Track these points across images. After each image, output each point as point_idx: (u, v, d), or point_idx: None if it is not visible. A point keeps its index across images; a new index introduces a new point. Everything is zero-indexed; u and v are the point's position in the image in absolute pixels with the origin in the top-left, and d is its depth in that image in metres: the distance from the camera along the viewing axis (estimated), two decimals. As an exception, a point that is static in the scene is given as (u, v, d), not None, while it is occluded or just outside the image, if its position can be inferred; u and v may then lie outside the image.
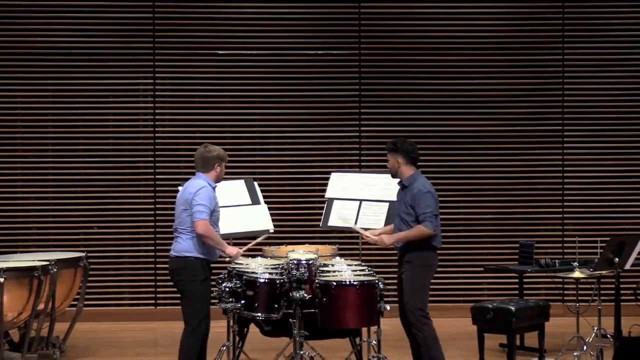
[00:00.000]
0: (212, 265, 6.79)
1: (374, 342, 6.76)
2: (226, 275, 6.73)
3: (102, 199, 10.64)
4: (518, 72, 10.86)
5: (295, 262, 6.74)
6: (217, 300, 6.64)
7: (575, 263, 7.77)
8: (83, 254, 8.40)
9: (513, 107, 10.86)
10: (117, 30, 10.66)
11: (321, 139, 10.81)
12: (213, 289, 6.72)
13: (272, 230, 7.96)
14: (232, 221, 7.66)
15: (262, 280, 6.55)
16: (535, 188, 10.87)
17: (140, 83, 10.74)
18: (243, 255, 7.09)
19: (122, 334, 9.85)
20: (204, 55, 10.73)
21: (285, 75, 10.77)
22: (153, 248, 10.63)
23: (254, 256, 7.23)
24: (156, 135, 10.72)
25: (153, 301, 10.65)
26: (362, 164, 10.70)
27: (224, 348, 7.17)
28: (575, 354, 7.54)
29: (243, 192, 8.02)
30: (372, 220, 7.89)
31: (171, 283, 6.88)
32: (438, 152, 10.74)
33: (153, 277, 10.64)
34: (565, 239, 10.85)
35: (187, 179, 6.96)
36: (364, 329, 6.92)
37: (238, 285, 6.57)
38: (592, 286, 8.40)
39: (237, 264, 6.85)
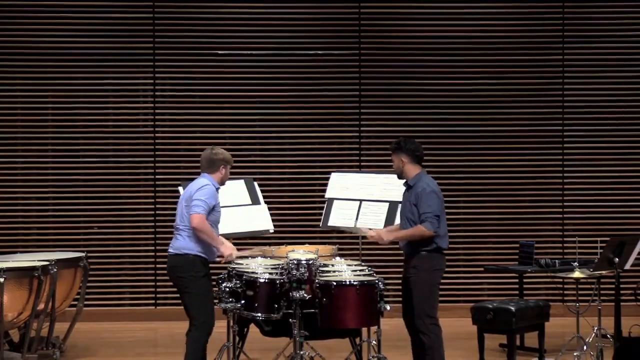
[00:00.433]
0: (213, 265, 6.78)
1: (374, 342, 6.76)
2: (226, 275, 6.73)
3: (102, 199, 10.64)
4: (518, 72, 10.86)
5: (295, 262, 6.73)
6: (217, 300, 6.64)
7: (575, 263, 7.77)
8: (83, 254, 8.40)
9: (513, 107, 10.86)
10: (117, 30, 10.66)
11: (321, 139, 10.81)
12: (213, 289, 6.72)
13: (272, 230, 7.96)
14: (232, 221, 7.65)
15: (262, 280, 6.55)
16: (535, 188, 10.87)
17: (140, 83, 10.74)
18: (243, 255, 7.09)
19: (122, 334, 9.85)
20: (204, 55, 10.74)
21: (285, 75, 10.77)
22: (153, 248, 10.64)
23: (253, 256, 7.22)
24: (156, 135, 10.72)
25: (153, 301, 10.66)
26: (362, 164, 10.70)
27: (224, 348, 7.17)
28: (575, 354, 7.54)
29: (243, 192, 8.02)
30: (372, 220, 7.89)
31: (171, 283, 6.87)
32: (438, 152, 10.73)
33: (153, 277, 10.64)
34: (565, 239, 10.86)
35: (187, 179, 6.98)
36: (364, 329, 6.92)
37: (238, 285, 6.57)
38: (592, 286, 8.40)
39: (237, 264, 6.85)
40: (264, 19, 10.75)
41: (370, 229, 7.29)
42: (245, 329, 7.22)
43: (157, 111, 10.75)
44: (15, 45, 10.58)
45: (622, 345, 7.66)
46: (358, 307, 6.48)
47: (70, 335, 8.52)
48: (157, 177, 10.68)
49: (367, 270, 6.81)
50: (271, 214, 8.06)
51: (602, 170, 10.86)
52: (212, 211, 6.64)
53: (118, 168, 10.68)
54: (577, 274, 7.54)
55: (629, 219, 10.76)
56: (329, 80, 10.81)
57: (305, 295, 6.52)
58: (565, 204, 10.89)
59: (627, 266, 7.65)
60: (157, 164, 10.70)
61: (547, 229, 10.88)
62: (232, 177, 7.97)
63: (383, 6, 10.82)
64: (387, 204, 7.82)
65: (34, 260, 7.72)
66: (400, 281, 6.93)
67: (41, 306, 7.63)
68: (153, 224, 10.65)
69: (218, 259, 6.82)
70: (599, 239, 8.46)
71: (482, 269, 10.08)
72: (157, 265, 10.53)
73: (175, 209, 6.92)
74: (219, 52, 10.77)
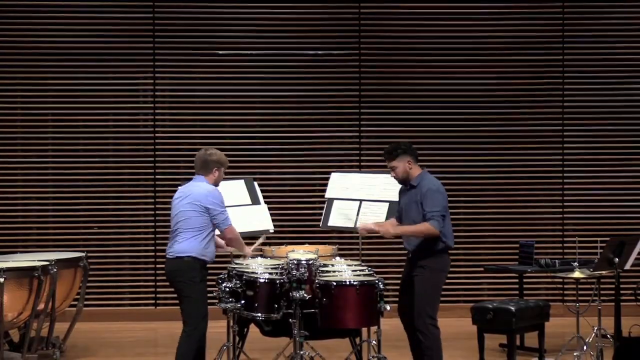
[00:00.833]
0: (213, 265, 6.79)
1: (374, 342, 6.75)
2: (226, 275, 6.72)
3: (102, 199, 10.65)
4: (518, 72, 10.86)
5: (295, 262, 6.73)
6: (217, 300, 6.64)
7: (575, 263, 7.77)
8: (83, 254, 8.40)
9: (513, 107, 10.86)
10: (117, 30, 10.66)
11: (321, 139, 10.81)
12: (213, 289, 6.72)
13: (272, 230, 7.96)
14: (232, 221, 7.65)
15: (262, 280, 6.55)
16: (535, 188, 10.87)
17: (140, 83, 10.74)
18: (242, 255, 7.10)
19: (122, 334, 9.85)
20: (204, 55, 10.74)
21: (285, 75, 10.77)
22: (153, 248, 10.64)
23: (253, 256, 7.22)
24: (156, 135, 10.72)
25: (153, 301, 10.66)
26: (362, 164, 10.70)
27: (224, 348, 7.17)
28: (575, 354, 7.54)
29: (243, 192, 8.02)
30: (372, 221, 7.88)
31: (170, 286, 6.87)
32: (438, 152, 10.74)
33: (153, 277, 10.64)
34: (565, 239, 10.86)
35: (187, 179, 6.96)
36: (364, 329, 6.92)
37: (238, 285, 6.56)
38: (592, 286, 8.40)
39: (236, 264, 6.85)
40: (264, 19, 10.76)
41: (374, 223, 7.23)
42: (245, 329, 7.22)
43: (157, 111, 10.75)
44: (15, 45, 10.58)
45: (622, 345, 7.66)
46: (358, 307, 6.48)
47: (70, 335, 8.52)
48: (157, 177, 10.68)
49: (367, 270, 6.80)
50: (271, 214, 8.06)
51: (602, 170, 10.86)
52: None
53: (118, 168, 10.68)
54: (577, 274, 7.54)
55: (629, 219, 10.76)
56: (329, 80, 10.80)
57: (305, 295, 6.52)
58: (565, 204, 10.89)
59: (627, 266, 7.65)
60: (157, 164, 10.70)
61: (547, 229, 10.88)
62: (233, 177, 7.99)
63: (383, 6, 10.82)
64: (387, 204, 7.82)
65: (34, 260, 7.72)
66: (399, 280, 6.94)
67: (41, 306, 7.63)
68: (153, 224, 10.65)
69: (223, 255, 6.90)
70: (599, 239, 8.46)
71: (482, 269, 10.07)
72: (157, 265, 10.53)
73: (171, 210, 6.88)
74: (219, 52, 10.77)
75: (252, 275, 6.59)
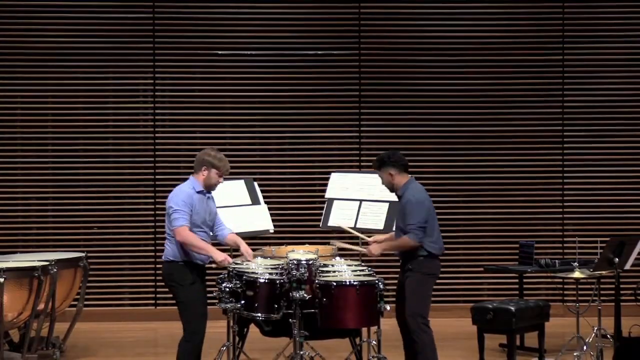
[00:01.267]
0: (213, 265, 6.76)
1: (373, 342, 6.76)
2: (226, 276, 6.71)
3: (102, 199, 10.64)
4: (518, 72, 10.86)
5: (295, 262, 6.73)
6: (217, 300, 6.63)
7: (575, 263, 7.77)
8: (83, 254, 8.40)
9: (513, 107, 10.86)
10: (117, 30, 10.66)
11: (321, 139, 10.81)
12: (213, 289, 6.70)
13: (272, 230, 7.96)
14: (232, 221, 7.65)
15: (262, 281, 6.54)
16: (535, 188, 10.87)
17: (140, 83, 10.74)
18: (239, 255, 7.07)
19: (122, 334, 9.85)
20: (204, 55, 10.73)
21: (285, 75, 10.77)
22: (153, 248, 10.63)
23: (253, 256, 7.20)
24: (156, 135, 10.72)
25: (153, 301, 10.66)
26: (362, 164, 10.69)
27: (224, 348, 7.17)
28: (575, 354, 7.54)
29: (243, 192, 8.02)
30: (372, 221, 7.89)
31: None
32: (438, 152, 10.74)
33: (153, 277, 10.64)
34: (565, 239, 10.85)
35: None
36: (364, 329, 6.92)
37: (238, 286, 6.56)
38: (592, 286, 8.40)
39: (236, 264, 6.84)
40: (264, 19, 10.75)
41: (367, 241, 7.30)
42: (245, 329, 7.22)
43: (157, 111, 10.75)
44: (15, 45, 10.58)
45: (622, 345, 7.66)
46: (358, 307, 6.48)
47: (70, 335, 8.52)
48: (157, 177, 10.68)
49: (367, 271, 6.81)
50: (271, 214, 8.06)
51: (602, 170, 10.86)
52: (192, 215, 6.55)
53: (118, 168, 10.68)
54: (577, 274, 7.54)
55: (629, 219, 10.76)
56: (329, 80, 10.80)
57: (305, 295, 6.52)
58: (565, 204, 10.89)
59: (627, 266, 7.65)
60: (157, 164, 10.70)
61: (547, 229, 10.88)
62: (233, 177, 7.98)
63: (383, 6, 10.82)
64: (387, 204, 7.83)
65: (34, 260, 7.71)
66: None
67: (41, 306, 7.63)
68: (153, 224, 10.65)
69: (214, 265, 6.79)
70: (599, 239, 8.46)
71: (482, 269, 10.07)
72: (157, 265, 10.52)
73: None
74: (219, 52, 10.77)
75: (252, 275, 6.59)
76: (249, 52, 10.78)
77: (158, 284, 10.54)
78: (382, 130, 10.72)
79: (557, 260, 8.87)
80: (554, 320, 8.46)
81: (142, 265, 10.66)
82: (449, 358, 8.24)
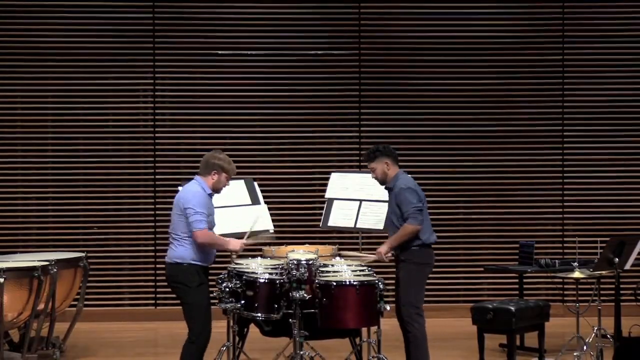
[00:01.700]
0: (213, 265, 6.76)
1: (373, 342, 6.76)
2: (226, 275, 6.72)
3: (102, 199, 10.64)
4: (518, 72, 10.86)
5: (295, 262, 6.73)
6: (217, 301, 6.63)
7: (575, 263, 7.77)
8: (83, 254, 8.40)
9: (513, 107, 10.86)
10: (117, 30, 10.66)
11: (321, 139, 10.81)
12: (213, 289, 6.70)
13: (272, 230, 7.96)
14: (232, 221, 7.65)
15: (262, 281, 6.55)
16: (535, 188, 10.87)
17: (140, 83, 10.74)
18: (243, 255, 7.08)
19: (122, 334, 9.85)
20: (204, 55, 10.73)
21: (285, 75, 10.77)
22: (153, 248, 10.63)
23: (254, 256, 7.22)
24: (156, 135, 10.72)
25: (153, 301, 10.66)
26: (362, 164, 10.68)
27: (224, 348, 7.17)
28: (575, 354, 7.54)
29: (243, 192, 8.02)
30: (372, 221, 7.90)
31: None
32: (438, 152, 10.74)
33: (153, 277, 10.64)
34: (565, 239, 10.85)
35: (187, 179, 6.95)
36: (364, 329, 6.93)
37: (238, 285, 6.56)
38: (592, 286, 8.40)
39: (237, 264, 6.84)
40: (264, 19, 10.75)
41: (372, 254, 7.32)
42: (245, 329, 7.22)
43: (157, 111, 10.75)
44: (15, 45, 10.58)
45: (622, 345, 7.66)
46: (358, 307, 6.49)
47: (70, 335, 8.52)
48: (157, 177, 10.68)
49: (367, 271, 6.81)
50: (271, 214, 8.06)
51: (602, 170, 10.86)
52: (207, 218, 6.57)
53: (118, 168, 10.68)
54: (577, 274, 7.54)
55: (629, 219, 10.76)
56: (329, 80, 10.80)
57: (305, 295, 6.52)
58: (565, 204, 10.89)
59: (627, 266, 7.65)
60: (157, 164, 10.70)
61: (547, 229, 10.88)
62: (232, 177, 7.97)
63: (383, 6, 10.82)
64: (387, 204, 7.81)
65: (34, 260, 7.71)
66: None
67: (41, 306, 7.63)
68: (153, 224, 10.65)
69: (233, 255, 6.80)
70: (599, 239, 8.45)
71: (482, 269, 10.08)
72: (157, 265, 10.53)
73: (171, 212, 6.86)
74: (219, 52, 10.77)
75: (252, 275, 6.59)
76: (249, 52, 10.78)
77: (158, 284, 10.54)
78: (382, 130, 10.72)
79: (557, 260, 8.87)
80: (554, 320, 8.46)
81: (142, 265, 10.66)
82: (449, 358, 8.24)
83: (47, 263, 7.60)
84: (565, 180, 10.89)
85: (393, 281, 7.22)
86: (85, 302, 8.77)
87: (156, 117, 10.74)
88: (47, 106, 10.67)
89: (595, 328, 7.71)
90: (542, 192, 10.88)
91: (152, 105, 10.74)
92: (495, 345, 8.48)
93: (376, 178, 7.07)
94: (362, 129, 10.82)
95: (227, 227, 7.54)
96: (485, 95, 10.84)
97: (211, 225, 6.67)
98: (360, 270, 6.82)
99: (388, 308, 6.58)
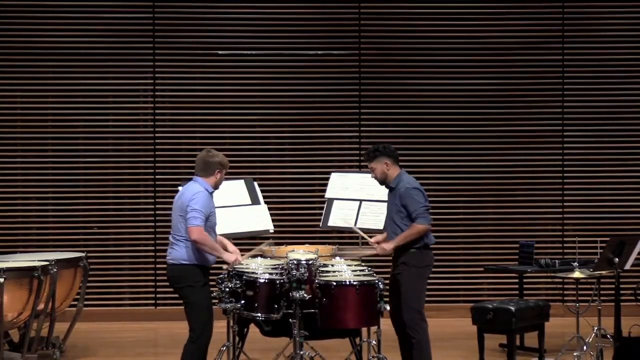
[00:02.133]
0: (213, 265, 6.76)
1: (373, 342, 6.76)
2: (226, 276, 6.72)
3: (102, 199, 10.65)
4: (518, 72, 10.86)
5: (295, 262, 6.73)
6: (217, 301, 6.63)
7: (575, 263, 7.77)
8: (83, 254, 8.40)
9: (513, 107, 10.86)
10: (117, 30, 10.66)
11: (321, 139, 10.81)
12: (213, 289, 6.70)
13: (272, 230, 7.96)
14: (232, 221, 7.65)
15: (262, 281, 6.54)
16: (535, 188, 10.87)
17: (140, 83, 10.74)
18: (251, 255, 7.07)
19: (122, 334, 9.85)
20: (204, 55, 10.74)
21: (285, 75, 10.77)
22: (153, 248, 10.64)
23: (253, 256, 7.21)
24: (156, 135, 10.72)
25: (153, 301, 10.65)
26: (362, 164, 10.68)
27: (224, 348, 7.17)
28: (575, 354, 7.54)
29: (243, 192, 8.02)
30: (372, 221, 7.89)
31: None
32: (438, 152, 10.75)
33: (153, 277, 10.64)
34: (565, 239, 10.86)
35: (187, 179, 6.94)
36: (364, 329, 6.92)
37: (238, 286, 6.56)
38: (592, 286, 8.40)
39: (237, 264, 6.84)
40: (264, 19, 10.76)
41: (364, 230, 7.31)
42: (245, 329, 7.22)
43: (157, 111, 10.75)
44: (15, 45, 10.58)
45: (622, 345, 7.66)
46: (358, 307, 6.48)
47: (70, 335, 8.52)
48: (157, 177, 10.68)
49: (367, 271, 6.81)
50: (271, 214, 8.06)
51: (602, 170, 10.86)
52: (208, 218, 6.55)
53: (118, 168, 10.68)
54: (577, 274, 7.54)
55: (629, 219, 10.76)
56: (329, 80, 10.81)
57: (305, 295, 6.52)
58: (565, 204, 10.89)
59: (627, 266, 7.65)
60: (157, 164, 10.70)
61: (547, 229, 10.88)
62: (233, 177, 7.99)
63: (383, 6, 10.82)
64: (387, 204, 7.81)
65: (34, 260, 7.72)
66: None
67: (41, 306, 7.63)
68: (153, 224, 10.65)
69: (224, 266, 6.79)
70: (599, 239, 8.46)
71: (482, 269, 10.08)
72: (157, 265, 10.53)
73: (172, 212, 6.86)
74: (219, 52, 10.77)
75: (252, 275, 6.59)
76: (249, 52, 10.78)
77: (158, 284, 10.54)
78: (382, 130, 10.72)
79: (557, 260, 8.87)
80: (554, 320, 8.46)
81: (142, 265, 10.66)
82: (449, 358, 8.24)
83: (47, 263, 7.60)
84: (565, 180, 10.89)
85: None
86: (85, 302, 8.77)
87: (156, 117, 10.74)
88: (47, 106, 10.67)
89: (595, 328, 7.71)
90: (542, 192, 10.89)
91: (152, 105, 10.74)
92: (495, 345, 8.48)
93: (376, 178, 7.05)
94: (362, 129, 10.82)
95: (227, 227, 7.54)
96: (485, 95, 10.84)
97: (213, 224, 6.67)
98: (360, 270, 6.82)
99: (388, 308, 6.58)
